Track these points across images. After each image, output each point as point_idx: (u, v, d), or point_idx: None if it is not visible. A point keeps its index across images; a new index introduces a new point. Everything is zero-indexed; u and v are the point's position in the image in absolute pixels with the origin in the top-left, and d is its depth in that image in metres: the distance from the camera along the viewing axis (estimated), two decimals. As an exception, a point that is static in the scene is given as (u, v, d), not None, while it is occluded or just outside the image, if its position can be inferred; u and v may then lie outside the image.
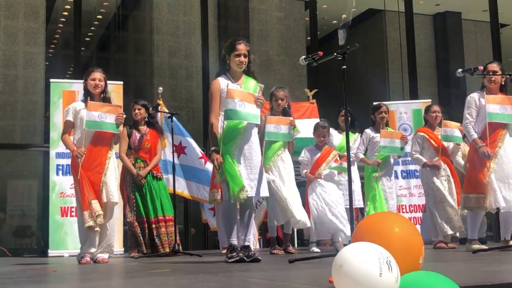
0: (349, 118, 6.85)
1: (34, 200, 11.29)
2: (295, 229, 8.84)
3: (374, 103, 7.29)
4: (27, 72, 10.88)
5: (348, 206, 7.08)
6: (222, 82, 4.62)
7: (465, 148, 7.84)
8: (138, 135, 6.68)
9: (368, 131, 7.03)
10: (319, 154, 6.52)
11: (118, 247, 7.44)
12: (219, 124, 4.55)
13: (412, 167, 8.50)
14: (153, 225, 6.56)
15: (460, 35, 14.19)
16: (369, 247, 1.85)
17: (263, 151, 5.75)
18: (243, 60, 4.62)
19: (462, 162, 7.70)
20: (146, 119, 6.78)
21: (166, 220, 6.57)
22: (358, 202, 6.94)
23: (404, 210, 8.47)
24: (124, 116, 5.36)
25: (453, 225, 6.57)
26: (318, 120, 7.59)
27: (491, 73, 5.62)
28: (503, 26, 14.04)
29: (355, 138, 6.99)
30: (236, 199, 4.40)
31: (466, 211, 6.32)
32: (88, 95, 5.31)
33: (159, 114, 7.07)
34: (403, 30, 13.31)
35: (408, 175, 8.60)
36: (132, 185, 6.60)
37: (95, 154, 5.17)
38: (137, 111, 6.71)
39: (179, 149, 7.40)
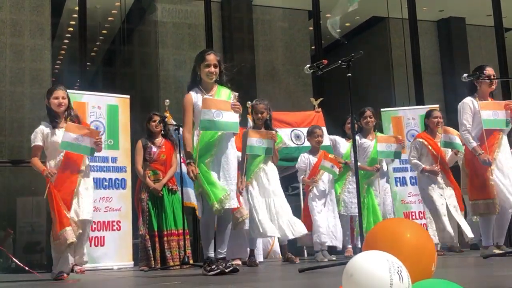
0: (356, 126, 6.86)
1: (43, 216, 11.30)
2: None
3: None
4: (34, 88, 10.93)
5: (344, 213, 7.16)
6: (195, 96, 4.63)
7: None
8: (154, 147, 6.71)
9: (356, 137, 6.96)
10: (315, 159, 6.53)
11: (127, 260, 7.44)
12: (194, 137, 4.55)
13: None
14: (165, 238, 6.56)
15: (464, 40, 14.17)
16: (380, 256, 1.83)
17: (245, 165, 5.77)
18: (213, 71, 4.63)
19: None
20: (162, 131, 6.82)
21: (179, 233, 6.56)
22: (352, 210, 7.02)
23: (413, 217, 8.44)
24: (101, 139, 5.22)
25: (445, 235, 6.52)
26: (324, 128, 7.60)
27: (491, 77, 5.61)
28: (507, 30, 14.01)
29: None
30: (221, 206, 4.36)
31: (475, 217, 6.31)
32: (52, 115, 5.21)
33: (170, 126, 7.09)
34: (407, 36, 13.30)
35: (416, 181, 8.55)
36: (147, 198, 6.61)
37: (66, 173, 5.07)
38: (156, 122, 6.74)
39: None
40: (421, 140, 6.86)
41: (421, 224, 8.06)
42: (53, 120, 5.19)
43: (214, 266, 4.37)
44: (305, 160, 6.60)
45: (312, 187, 6.52)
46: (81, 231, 5.02)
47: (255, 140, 5.92)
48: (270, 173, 6.14)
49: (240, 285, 3.40)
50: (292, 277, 3.90)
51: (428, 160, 6.79)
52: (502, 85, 12.05)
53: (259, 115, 6.11)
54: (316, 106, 8.06)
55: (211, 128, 4.46)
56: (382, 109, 8.25)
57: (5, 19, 10.89)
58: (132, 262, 7.51)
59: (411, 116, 8.77)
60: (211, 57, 4.65)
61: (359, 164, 6.80)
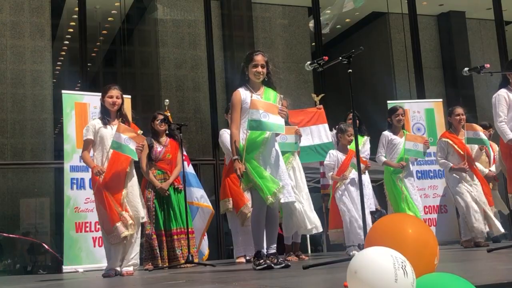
0: (357, 122, 6.85)
1: (47, 217, 11.33)
2: (308, 236, 8.85)
3: (390, 106, 7.30)
4: (35, 90, 10.95)
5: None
6: (243, 93, 4.67)
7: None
8: (159, 147, 6.71)
9: (386, 133, 7.04)
10: (344, 156, 6.56)
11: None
12: (241, 135, 4.57)
13: (426, 167, 8.47)
14: (175, 236, 6.55)
15: (465, 34, 14.16)
16: (383, 252, 1.83)
17: None
18: (261, 71, 4.68)
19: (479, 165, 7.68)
20: (167, 131, 6.84)
21: (189, 232, 6.56)
22: (370, 206, 6.93)
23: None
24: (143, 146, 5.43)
25: (476, 231, 6.57)
26: (326, 125, 7.58)
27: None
28: (508, 23, 14.00)
29: (363, 141, 6.99)
30: (275, 198, 4.41)
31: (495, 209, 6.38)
32: (105, 112, 5.42)
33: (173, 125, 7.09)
34: (408, 31, 13.30)
35: (422, 175, 8.55)
36: (153, 197, 6.61)
37: (114, 172, 5.24)
38: (159, 122, 6.74)
39: (187, 159, 7.43)
40: (446, 139, 6.90)
41: (426, 219, 8.07)
42: (105, 117, 5.39)
43: (262, 261, 4.41)
44: (334, 157, 6.63)
45: (340, 185, 6.55)
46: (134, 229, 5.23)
47: (279, 137, 5.97)
48: (297, 168, 6.24)
49: (244, 282, 3.41)
50: (296, 274, 3.91)
51: (454, 158, 6.82)
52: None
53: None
54: (317, 102, 8.03)
55: (257, 128, 4.49)
56: (388, 101, 8.27)
57: (5, 21, 10.90)
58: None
59: (416, 109, 8.75)
60: (259, 58, 4.70)
61: (386, 160, 6.91)
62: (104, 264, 7.13)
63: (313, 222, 6.30)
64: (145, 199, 6.66)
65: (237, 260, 6.56)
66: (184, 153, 7.00)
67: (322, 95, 8.21)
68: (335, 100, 11.01)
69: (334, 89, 12.00)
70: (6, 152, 10.73)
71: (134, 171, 5.48)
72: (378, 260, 1.79)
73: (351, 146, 6.54)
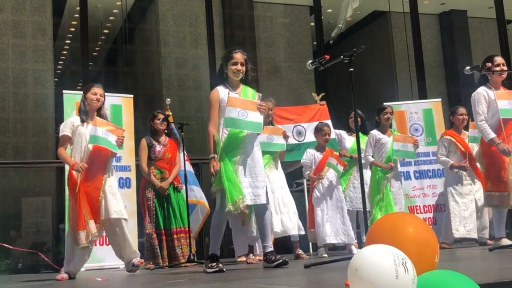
0: (359, 120, 6.85)
1: (48, 216, 11.34)
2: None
3: (379, 105, 7.28)
4: (37, 89, 10.96)
5: (349, 209, 7.16)
6: (222, 91, 4.64)
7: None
8: (158, 146, 6.72)
9: (374, 132, 7.01)
10: (321, 155, 6.54)
11: (133, 259, 7.43)
12: (220, 133, 4.55)
13: (425, 167, 8.44)
14: (175, 236, 6.56)
15: (466, 33, 14.14)
16: (384, 249, 1.83)
17: None
18: (240, 69, 4.64)
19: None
20: (166, 130, 6.84)
21: (187, 231, 6.55)
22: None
23: (418, 211, 8.43)
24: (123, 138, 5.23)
25: (449, 236, 6.61)
26: (329, 121, 7.58)
27: (500, 65, 5.59)
28: (509, 22, 13.99)
29: (366, 140, 6.98)
30: (234, 206, 4.36)
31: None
32: (85, 110, 5.21)
33: (172, 124, 7.09)
34: (409, 30, 13.29)
35: (421, 175, 8.54)
36: (153, 196, 6.61)
37: (93, 169, 5.04)
38: (160, 121, 6.74)
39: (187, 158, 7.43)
40: (448, 137, 6.88)
41: (425, 218, 8.07)
42: (83, 115, 5.18)
43: (214, 264, 4.38)
44: (311, 156, 6.62)
45: (317, 184, 6.53)
46: (102, 230, 5.08)
47: (266, 137, 5.94)
48: (276, 171, 6.20)
49: (245, 281, 3.40)
50: (297, 273, 3.90)
51: (456, 156, 6.81)
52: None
53: (270, 111, 6.14)
54: (318, 101, 8.04)
55: (234, 126, 4.47)
56: (385, 104, 8.24)
57: (7, 20, 10.91)
58: (138, 261, 7.50)
59: (414, 110, 8.74)
60: (238, 56, 4.66)
61: (373, 160, 6.88)
62: (105, 263, 7.17)
63: (285, 225, 6.21)
64: (145, 199, 6.68)
65: (238, 259, 6.55)
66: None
67: (323, 94, 8.21)
68: (336, 99, 10.99)
69: (335, 88, 11.99)
70: (8, 151, 10.74)
71: (113, 170, 5.29)
72: (378, 257, 1.79)
73: (331, 142, 6.50)
